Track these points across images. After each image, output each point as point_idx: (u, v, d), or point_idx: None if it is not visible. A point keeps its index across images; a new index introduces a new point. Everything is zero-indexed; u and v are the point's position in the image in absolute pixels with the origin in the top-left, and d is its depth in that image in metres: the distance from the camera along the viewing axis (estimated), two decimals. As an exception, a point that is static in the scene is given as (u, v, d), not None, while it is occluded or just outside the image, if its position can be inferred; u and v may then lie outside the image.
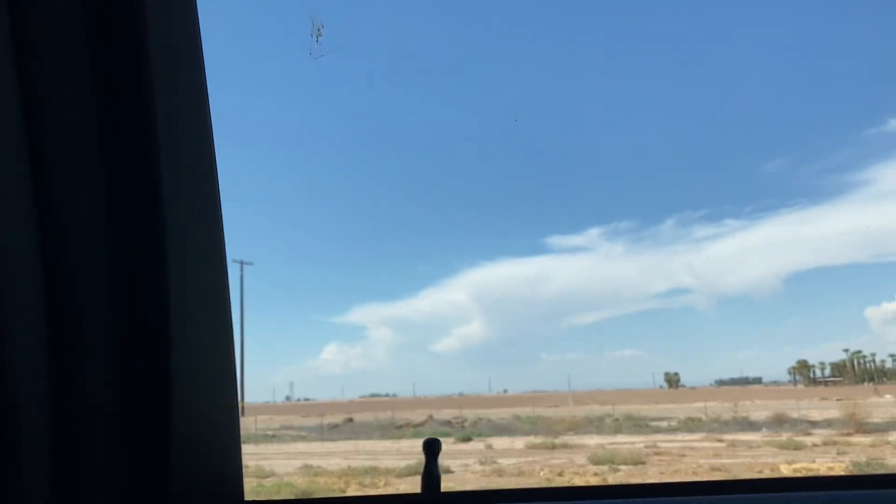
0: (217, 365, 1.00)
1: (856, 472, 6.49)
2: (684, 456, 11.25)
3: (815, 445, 12.07)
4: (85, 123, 0.92)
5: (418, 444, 1.07)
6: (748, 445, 12.55)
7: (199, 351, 0.97)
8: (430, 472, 1.05)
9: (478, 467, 10.69)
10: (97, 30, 0.92)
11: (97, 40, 0.92)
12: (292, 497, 6.83)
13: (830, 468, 9.45)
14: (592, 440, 13.91)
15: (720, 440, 13.27)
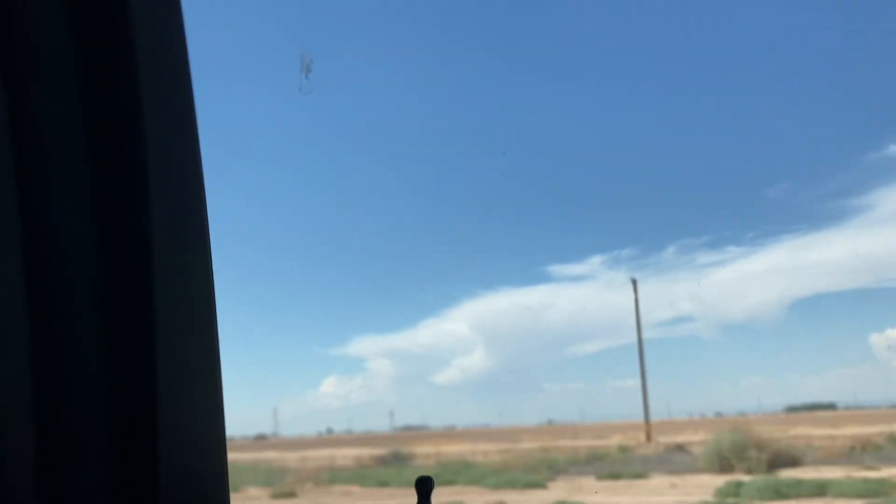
0: (204, 394, 1.00)
1: None
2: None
3: None
4: (71, 124, 0.93)
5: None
6: None
7: (187, 376, 0.97)
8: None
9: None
10: (84, 35, 0.94)
11: (84, 45, 0.94)
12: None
13: None
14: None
15: None
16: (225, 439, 1.03)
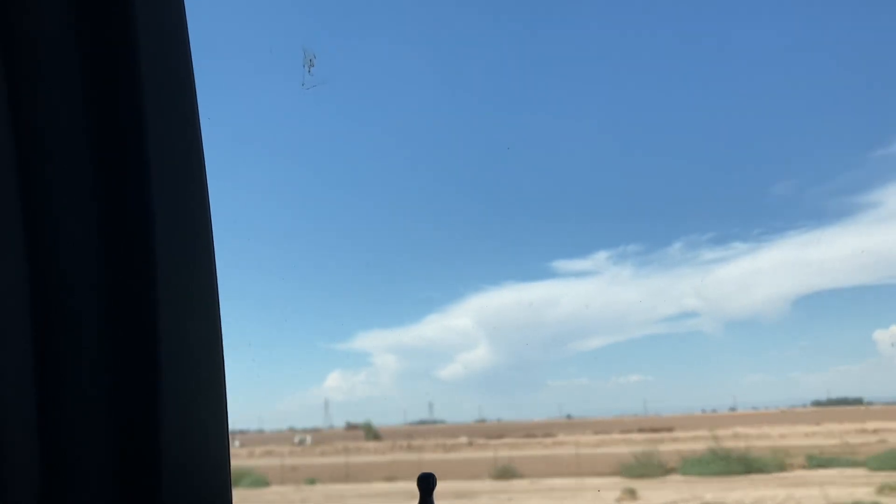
0: (208, 393, 1.00)
1: None
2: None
3: None
4: (74, 122, 0.93)
5: None
6: None
7: (190, 374, 0.97)
8: (426, 507, 1.04)
9: None
10: (87, 33, 0.94)
11: (86, 43, 0.94)
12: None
13: None
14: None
15: None
16: (228, 437, 1.02)
